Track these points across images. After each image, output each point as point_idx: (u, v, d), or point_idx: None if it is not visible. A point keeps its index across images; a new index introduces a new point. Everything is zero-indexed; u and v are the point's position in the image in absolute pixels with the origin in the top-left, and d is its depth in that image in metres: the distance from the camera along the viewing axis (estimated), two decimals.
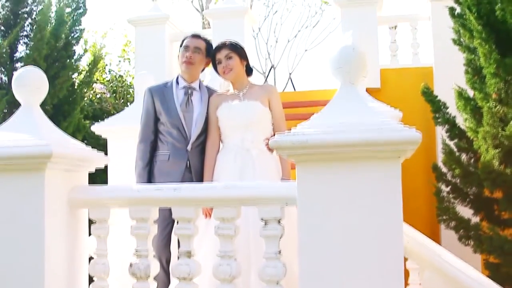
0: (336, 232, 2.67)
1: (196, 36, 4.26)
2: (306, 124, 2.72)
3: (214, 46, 4.24)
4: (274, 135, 4.02)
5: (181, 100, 4.15)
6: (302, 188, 2.73)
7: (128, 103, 11.05)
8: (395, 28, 8.66)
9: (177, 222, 3.08)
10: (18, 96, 3.19)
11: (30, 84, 3.16)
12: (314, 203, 2.71)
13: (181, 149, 4.08)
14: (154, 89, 4.23)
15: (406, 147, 2.59)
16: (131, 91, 10.97)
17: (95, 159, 3.33)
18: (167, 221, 3.86)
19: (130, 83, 11.29)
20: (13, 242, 2.96)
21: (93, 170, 3.39)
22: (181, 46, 4.24)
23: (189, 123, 4.11)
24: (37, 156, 2.89)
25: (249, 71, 4.20)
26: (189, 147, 4.08)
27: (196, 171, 4.06)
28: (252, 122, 4.00)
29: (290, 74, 17.83)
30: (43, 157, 2.89)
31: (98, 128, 5.40)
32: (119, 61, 12.18)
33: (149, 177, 4.10)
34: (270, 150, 3.91)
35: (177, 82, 4.22)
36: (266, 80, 17.55)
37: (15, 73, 3.23)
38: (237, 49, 4.11)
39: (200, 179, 4.03)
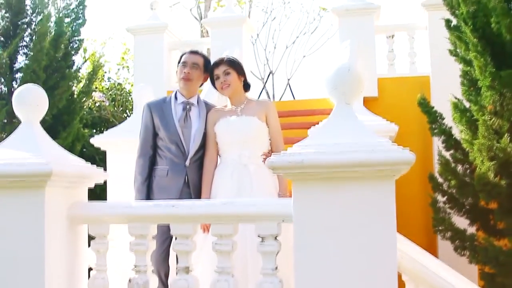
0: (331, 248, 2.73)
1: (194, 52, 4.31)
2: (302, 143, 2.77)
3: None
4: (271, 149, 4.10)
5: (180, 116, 4.20)
6: (298, 206, 2.79)
7: (127, 111, 11.11)
8: (393, 37, 8.72)
9: (175, 238, 3.14)
10: (18, 114, 3.25)
11: (30, 102, 3.22)
12: (310, 221, 2.76)
13: (179, 164, 4.12)
14: (153, 104, 4.27)
15: (399, 168, 2.64)
16: (130, 99, 11.02)
17: (94, 176, 3.38)
18: (165, 235, 3.89)
19: (129, 90, 11.34)
20: (13, 258, 3.01)
21: (92, 186, 3.45)
22: (179, 62, 4.29)
23: (188, 139, 4.16)
24: (37, 175, 2.94)
25: (246, 86, 4.25)
26: (187, 163, 4.12)
27: (194, 186, 4.10)
28: (250, 138, 4.05)
29: (288, 80, 17.88)
30: (43, 176, 2.94)
31: (97, 141, 5.45)
32: (118, 69, 12.23)
33: (148, 192, 4.14)
34: None
35: (176, 98, 4.27)
36: (264, 85, 17.60)
37: (16, 91, 3.27)
38: (235, 65, 4.17)
39: (198, 193, 4.08)
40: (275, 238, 2.96)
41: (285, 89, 17.94)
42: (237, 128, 4.05)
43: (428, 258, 3.92)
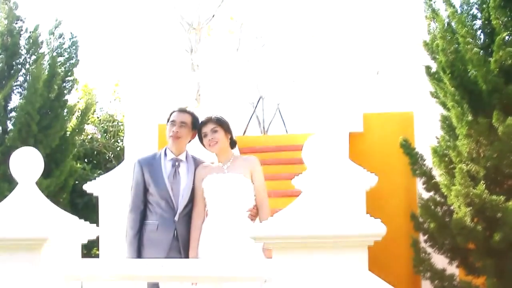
0: None
1: (182, 111, 4.50)
2: (282, 214, 2.98)
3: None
4: (256, 205, 4.31)
5: (169, 172, 4.39)
6: (278, 270, 3.00)
7: (119, 140, 11.27)
8: (378, 73, 8.94)
9: None
10: (15, 175, 3.46)
11: (27, 165, 3.44)
12: (288, 284, 2.97)
13: (168, 219, 4.30)
14: (144, 161, 4.45)
15: (371, 239, 2.87)
16: (122, 128, 11.19)
17: (87, 233, 3.59)
18: (156, 285, 4.07)
19: (120, 120, 11.52)
20: None
21: (85, 241, 3.65)
22: (168, 120, 4.49)
23: (177, 194, 4.35)
24: (34, 239, 3.16)
25: (233, 144, 4.45)
26: (176, 217, 4.31)
27: (183, 240, 4.29)
28: (235, 194, 4.25)
29: (278, 104, 18.09)
30: (40, 240, 3.17)
31: (90, 187, 5.64)
32: (110, 101, 12.43)
33: (139, 245, 4.32)
34: (252, 220, 4.20)
35: (165, 154, 4.47)
36: (255, 110, 17.78)
37: (13, 154, 3.47)
38: (222, 123, 4.37)
39: (187, 247, 4.26)
40: None
41: (275, 113, 18.15)
42: (223, 186, 4.24)
43: None
